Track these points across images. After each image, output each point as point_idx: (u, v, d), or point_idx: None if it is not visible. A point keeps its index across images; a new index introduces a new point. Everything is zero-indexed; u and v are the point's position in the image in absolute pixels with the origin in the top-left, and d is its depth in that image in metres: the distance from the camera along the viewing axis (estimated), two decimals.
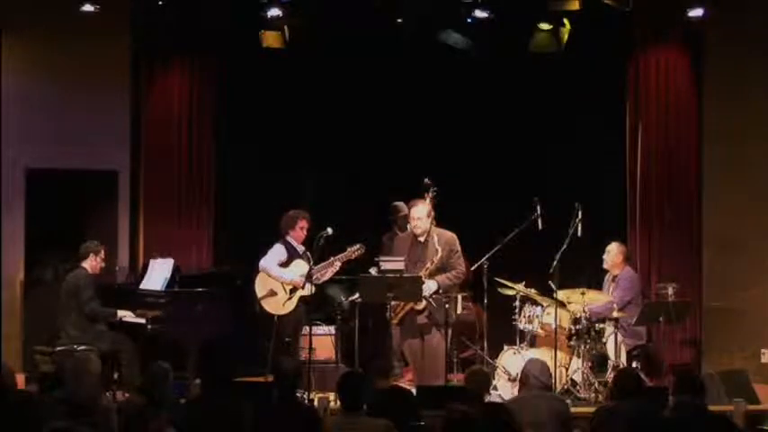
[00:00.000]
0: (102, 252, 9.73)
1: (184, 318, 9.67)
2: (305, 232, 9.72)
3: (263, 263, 9.65)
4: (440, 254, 8.98)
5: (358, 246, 9.56)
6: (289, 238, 9.73)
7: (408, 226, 9.37)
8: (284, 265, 9.65)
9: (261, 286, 9.67)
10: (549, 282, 9.45)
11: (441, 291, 9.02)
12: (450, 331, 9.24)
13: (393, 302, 8.94)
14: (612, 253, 10.15)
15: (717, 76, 10.92)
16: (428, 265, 8.99)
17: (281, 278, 9.60)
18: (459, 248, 9.16)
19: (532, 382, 6.97)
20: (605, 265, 10.18)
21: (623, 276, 10.08)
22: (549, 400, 6.94)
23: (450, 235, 9.17)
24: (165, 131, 11.04)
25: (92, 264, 9.64)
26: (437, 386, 8.86)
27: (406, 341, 9.12)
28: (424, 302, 8.98)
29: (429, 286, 8.93)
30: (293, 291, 9.59)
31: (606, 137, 11.16)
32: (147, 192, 11.05)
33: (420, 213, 9.10)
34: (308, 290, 9.49)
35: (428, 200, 9.41)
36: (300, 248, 9.73)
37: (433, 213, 9.20)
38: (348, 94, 11.11)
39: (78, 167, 10.78)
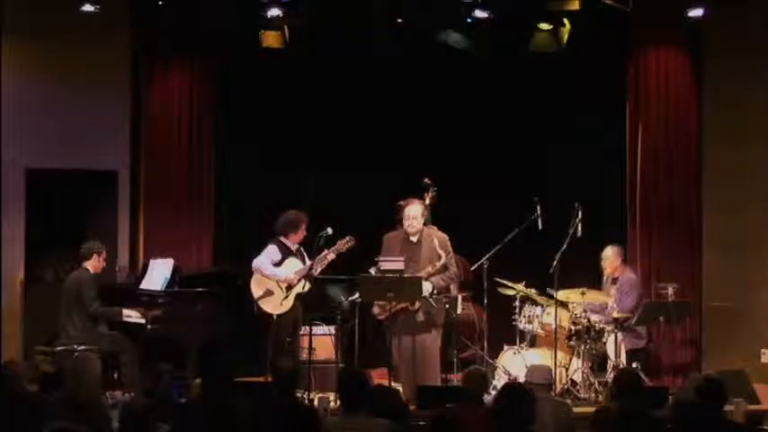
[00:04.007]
0: (104, 252, 9.75)
1: (184, 318, 9.67)
2: (305, 233, 9.72)
3: (255, 263, 9.64)
4: (443, 259, 8.98)
5: (348, 238, 9.55)
6: (283, 239, 9.71)
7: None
8: (278, 264, 9.65)
9: (257, 287, 9.66)
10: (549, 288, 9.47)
11: (435, 291, 9.02)
12: (443, 331, 9.24)
13: (382, 302, 8.95)
14: (610, 258, 10.15)
15: (717, 76, 10.93)
16: (429, 269, 8.99)
17: (274, 276, 9.60)
18: (450, 249, 9.18)
19: (535, 389, 7.00)
20: (605, 271, 10.18)
21: (625, 281, 10.06)
22: (553, 404, 6.95)
23: (442, 236, 9.19)
24: (164, 131, 11.04)
25: (94, 264, 9.65)
26: (437, 386, 8.86)
27: (397, 340, 9.10)
28: (418, 303, 8.99)
29: (425, 287, 8.94)
30: (289, 288, 9.59)
31: (606, 137, 11.17)
32: (147, 192, 11.05)
33: (416, 212, 9.11)
34: (301, 286, 9.49)
35: (428, 199, 9.41)
36: (294, 246, 9.72)
37: (426, 213, 9.21)
38: (348, 94, 11.11)
39: (78, 167, 10.78)
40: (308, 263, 9.53)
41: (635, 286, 10.11)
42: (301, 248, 9.70)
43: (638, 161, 11.02)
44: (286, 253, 9.68)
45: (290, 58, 10.88)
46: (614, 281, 10.15)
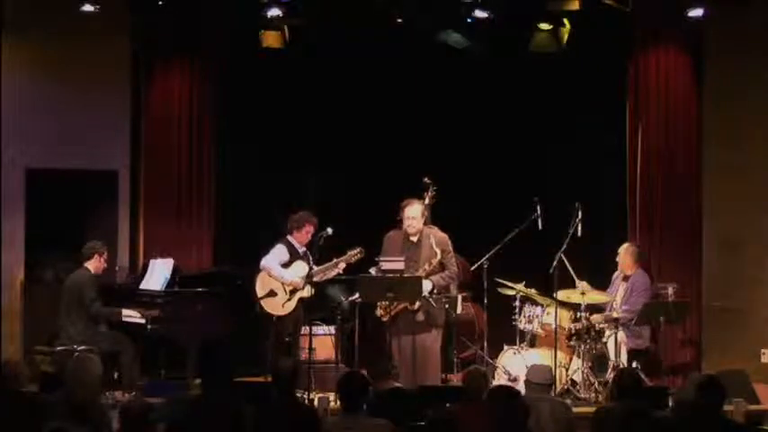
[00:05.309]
0: (106, 252, 9.75)
1: (184, 318, 9.68)
2: (309, 236, 9.72)
3: (264, 262, 9.66)
4: (439, 256, 8.98)
5: (358, 249, 9.56)
6: (291, 238, 9.73)
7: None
8: (285, 265, 9.66)
9: (261, 286, 9.67)
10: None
11: (435, 290, 9.03)
12: (443, 331, 9.23)
13: (385, 302, 8.96)
14: (621, 255, 10.16)
15: (717, 76, 10.93)
16: (426, 266, 9.00)
17: (281, 278, 9.61)
18: (451, 249, 9.19)
19: (534, 389, 7.02)
20: (619, 265, 10.19)
21: (640, 281, 10.05)
22: (553, 404, 6.96)
23: (442, 235, 9.19)
24: (165, 131, 11.04)
25: (95, 264, 9.65)
26: (438, 386, 8.86)
27: (397, 340, 9.10)
28: (419, 302, 8.99)
29: (425, 286, 8.95)
30: (293, 292, 9.60)
31: (606, 137, 11.16)
32: (147, 192, 11.05)
33: (415, 213, 9.11)
34: (307, 291, 9.50)
35: (428, 199, 9.41)
36: (301, 249, 9.74)
37: (426, 213, 9.21)
38: (348, 94, 11.11)
39: (78, 167, 10.78)
40: (315, 269, 9.51)
41: (648, 288, 10.10)
42: (308, 252, 9.70)
43: (638, 161, 11.01)
44: (294, 254, 9.69)
45: (290, 58, 10.89)
46: (625, 278, 10.15)
